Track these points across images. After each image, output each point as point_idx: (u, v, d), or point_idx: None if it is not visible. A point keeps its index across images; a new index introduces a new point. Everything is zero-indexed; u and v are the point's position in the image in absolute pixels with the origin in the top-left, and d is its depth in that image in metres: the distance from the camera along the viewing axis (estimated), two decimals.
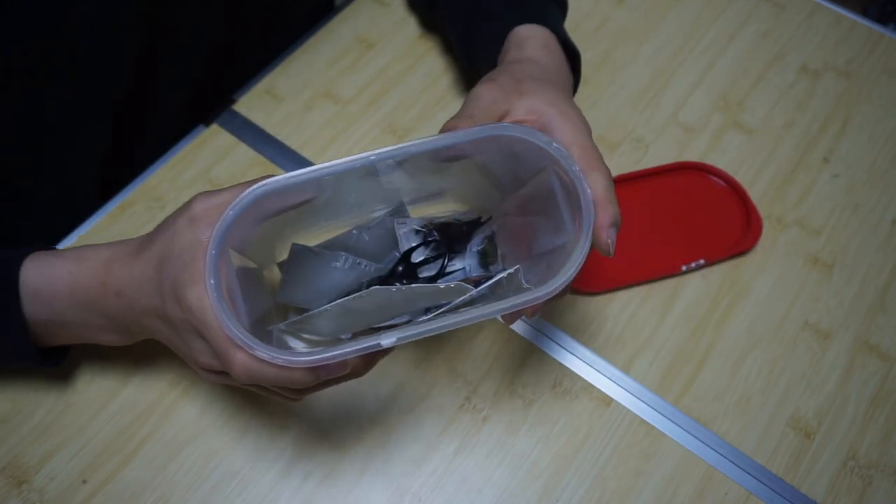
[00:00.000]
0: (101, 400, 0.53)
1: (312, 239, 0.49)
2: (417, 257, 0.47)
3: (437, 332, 0.38)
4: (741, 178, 0.64)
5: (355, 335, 0.46)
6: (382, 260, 0.48)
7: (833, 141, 0.67)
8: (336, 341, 0.46)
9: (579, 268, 0.39)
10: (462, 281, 0.47)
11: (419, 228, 0.48)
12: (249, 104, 0.66)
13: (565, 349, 0.56)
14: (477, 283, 0.44)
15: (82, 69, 0.53)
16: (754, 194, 0.63)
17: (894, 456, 0.53)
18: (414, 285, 0.42)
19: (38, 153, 0.55)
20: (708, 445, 0.53)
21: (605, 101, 0.69)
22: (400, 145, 0.40)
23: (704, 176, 0.65)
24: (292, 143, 0.65)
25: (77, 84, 0.54)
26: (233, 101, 0.66)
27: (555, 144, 0.41)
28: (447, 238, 0.48)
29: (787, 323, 0.58)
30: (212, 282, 0.38)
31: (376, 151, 0.40)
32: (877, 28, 0.74)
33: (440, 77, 0.69)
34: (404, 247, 0.47)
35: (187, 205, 0.42)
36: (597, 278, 0.59)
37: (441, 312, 0.42)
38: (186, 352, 0.42)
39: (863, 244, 0.62)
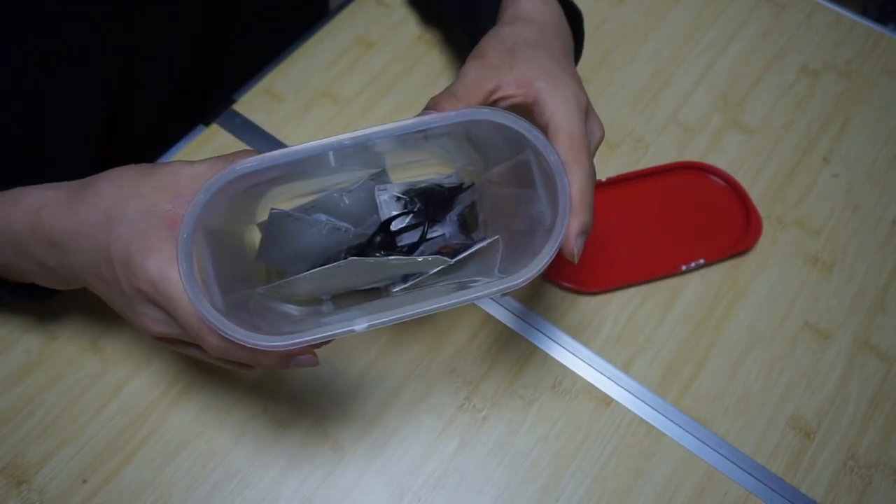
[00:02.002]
0: (101, 400, 0.53)
1: (292, 199, 0.48)
2: (397, 226, 0.47)
3: (412, 318, 0.38)
4: (741, 178, 0.64)
5: (334, 297, 0.47)
6: (363, 223, 0.48)
7: (833, 141, 0.67)
8: (315, 309, 0.46)
9: (545, 267, 0.39)
10: (442, 248, 0.47)
11: (400, 196, 0.47)
12: (249, 104, 0.66)
13: (565, 349, 0.56)
14: (456, 251, 0.44)
15: (82, 69, 0.53)
16: (754, 194, 0.63)
17: (894, 456, 0.53)
18: (391, 257, 0.43)
19: (38, 153, 0.55)
20: (708, 445, 0.53)
21: (605, 101, 0.69)
22: (374, 129, 0.39)
23: (704, 176, 0.65)
24: (292, 143, 0.64)
25: (77, 84, 0.54)
26: (233, 101, 0.66)
27: (536, 132, 0.40)
28: (428, 204, 0.47)
29: (787, 323, 0.58)
30: (184, 265, 0.37)
31: (349, 135, 0.39)
32: (877, 28, 0.74)
33: (440, 77, 0.69)
34: (384, 215, 0.47)
35: (155, 167, 0.40)
36: (597, 278, 0.59)
37: (418, 281, 0.43)
38: (133, 317, 0.41)
39: (863, 244, 0.62)
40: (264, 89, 0.67)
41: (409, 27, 0.72)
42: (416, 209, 0.47)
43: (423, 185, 0.48)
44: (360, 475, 0.51)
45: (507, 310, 0.58)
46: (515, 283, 0.39)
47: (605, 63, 0.71)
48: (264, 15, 0.70)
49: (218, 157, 0.40)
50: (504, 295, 0.43)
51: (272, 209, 0.46)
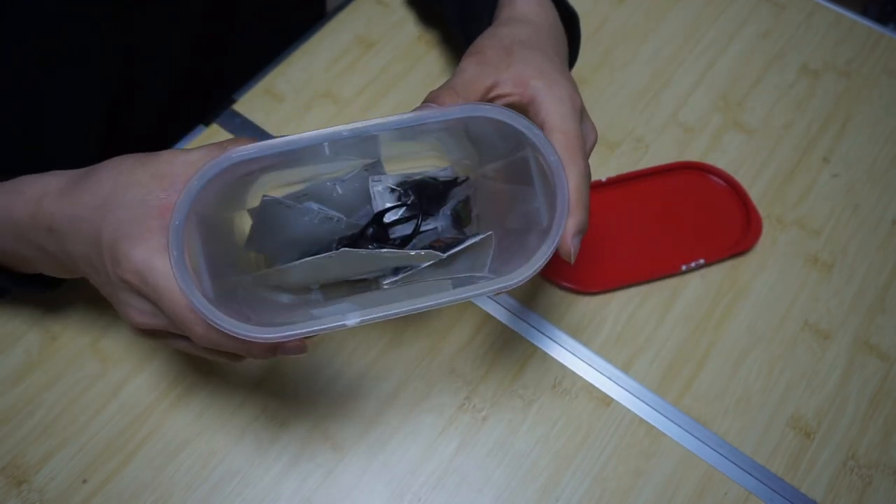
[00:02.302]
0: (101, 400, 0.53)
1: (284, 186, 0.47)
2: (390, 218, 0.47)
3: (404, 315, 0.38)
4: (741, 178, 0.64)
5: (323, 286, 0.47)
6: (355, 213, 0.48)
7: (833, 141, 0.67)
8: (304, 297, 0.46)
9: (541, 266, 0.39)
10: (434, 242, 0.47)
11: (394, 187, 0.47)
12: (249, 104, 0.66)
13: (565, 349, 0.56)
14: (448, 246, 0.44)
15: (82, 69, 0.53)
16: (754, 194, 0.63)
17: (894, 456, 0.53)
18: (383, 250, 0.42)
19: (38, 153, 0.55)
20: (708, 445, 0.53)
21: (605, 101, 0.69)
22: (372, 122, 0.39)
23: (704, 176, 0.65)
24: None
25: (77, 84, 0.54)
26: (233, 101, 0.66)
27: (535, 130, 0.40)
28: (422, 198, 0.47)
29: (787, 323, 0.58)
30: (175, 253, 0.36)
31: (347, 126, 0.39)
32: (877, 28, 0.74)
33: (440, 77, 0.69)
34: (378, 206, 0.47)
35: (153, 156, 0.40)
36: (597, 278, 0.59)
37: (409, 275, 0.43)
38: (119, 308, 0.41)
39: (863, 244, 0.62)
40: (264, 89, 0.67)
41: (409, 27, 0.72)
42: (409, 202, 0.47)
43: (417, 177, 0.48)
44: (360, 475, 0.51)
45: (507, 310, 0.58)
46: (512, 282, 0.39)
47: (605, 63, 0.71)
48: (264, 15, 0.70)
49: (213, 144, 0.40)
50: (499, 294, 0.42)
51: (264, 196, 0.45)
